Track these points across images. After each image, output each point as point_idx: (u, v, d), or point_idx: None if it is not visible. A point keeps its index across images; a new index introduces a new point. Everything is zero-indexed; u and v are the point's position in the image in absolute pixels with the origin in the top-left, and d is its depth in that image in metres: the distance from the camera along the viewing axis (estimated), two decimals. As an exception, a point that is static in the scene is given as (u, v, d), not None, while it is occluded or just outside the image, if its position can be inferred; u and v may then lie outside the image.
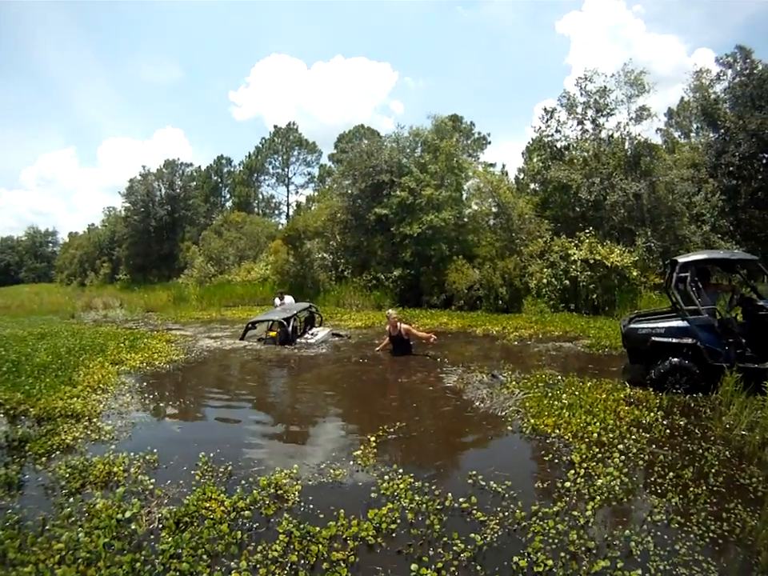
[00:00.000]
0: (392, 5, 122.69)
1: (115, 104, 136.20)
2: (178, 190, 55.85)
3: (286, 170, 69.41)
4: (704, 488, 6.23)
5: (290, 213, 65.47)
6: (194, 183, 60.91)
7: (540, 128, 29.21)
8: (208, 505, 5.96)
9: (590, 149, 27.19)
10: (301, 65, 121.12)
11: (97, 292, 46.66)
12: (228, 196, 72.94)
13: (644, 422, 8.40)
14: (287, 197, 70.36)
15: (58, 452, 8.00)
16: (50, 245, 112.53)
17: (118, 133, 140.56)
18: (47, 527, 5.66)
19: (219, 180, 72.90)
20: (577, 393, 9.78)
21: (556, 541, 5.21)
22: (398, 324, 14.58)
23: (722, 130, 27.75)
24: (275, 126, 69.61)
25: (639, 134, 26.85)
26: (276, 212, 70.73)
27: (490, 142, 54.31)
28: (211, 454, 7.45)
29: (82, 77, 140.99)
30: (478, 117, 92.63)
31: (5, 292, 61.14)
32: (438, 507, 5.89)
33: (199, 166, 67.95)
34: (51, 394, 10.55)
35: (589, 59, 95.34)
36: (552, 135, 29.01)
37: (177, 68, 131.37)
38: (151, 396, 11.09)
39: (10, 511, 6.10)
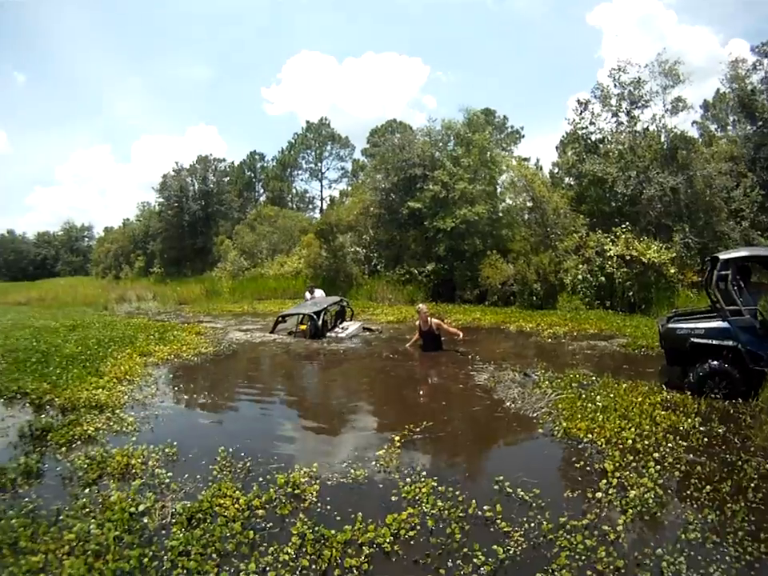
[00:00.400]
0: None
1: (149, 102, 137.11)
2: (211, 186, 56.17)
3: (319, 164, 69.46)
4: (742, 504, 5.78)
5: (324, 207, 65.47)
6: (228, 178, 61.18)
7: (574, 120, 28.67)
8: (222, 501, 5.81)
9: (626, 141, 26.52)
10: (332, 61, 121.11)
11: (131, 285, 47.29)
12: (261, 191, 73.08)
13: (681, 428, 7.94)
14: (320, 191, 70.53)
15: (78, 442, 7.99)
16: (86, 239, 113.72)
17: (152, 130, 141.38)
18: (60, 517, 5.60)
19: (252, 175, 73.05)
20: (612, 395, 9.34)
21: (583, 557, 4.86)
22: (429, 319, 14.30)
23: (760, 122, 26.97)
24: (308, 122, 69.76)
25: (675, 127, 26.26)
26: (310, 206, 70.91)
27: (523, 136, 53.86)
28: (231, 449, 7.32)
29: (116, 76, 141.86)
30: (510, 111, 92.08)
31: (40, 285, 61.71)
32: (461, 515, 5.61)
33: (232, 162, 68.04)
34: (77, 384, 10.64)
35: (621, 52, 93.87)
36: (586, 128, 28.44)
37: (209, 66, 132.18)
38: (176, 388, 11.10)
39: (26, 500, 6.08)
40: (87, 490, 6.25)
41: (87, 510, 5.75)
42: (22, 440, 8.20)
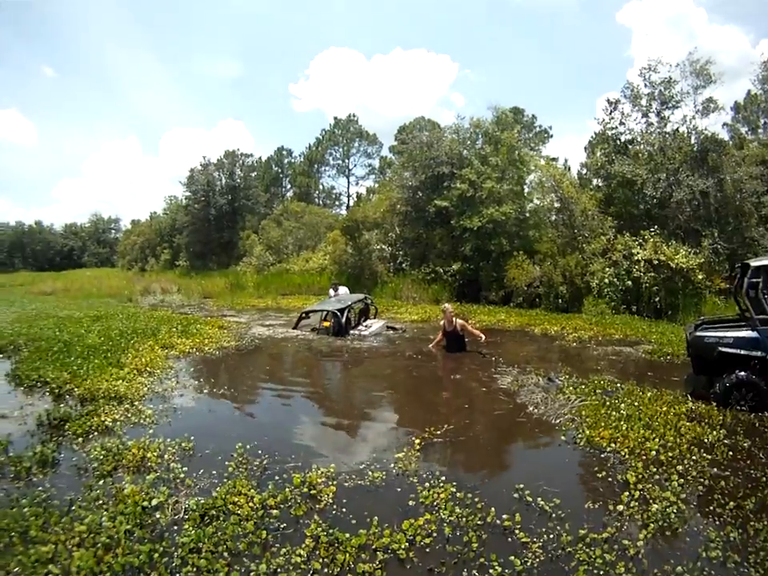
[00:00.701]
0: None
1: (177, 96, 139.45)
2: (238, 180, 56.22)
3: (347, 161, 69.47)
4: (766, 522, 5.58)
5: (351, 204, 65.48)
6: (255, 173, 61.16)
7: (604, 120, 28.23)
8: (236, 499, 5.72)
9: (656, 143, 26.09)
10: (360, 57, 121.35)
11: (156, 277, 47.73)
12: (288, 186, 73.34)
13: (706, 440, 7.72)
14: (347, 188, 70.54)
15: (95, 433, 8.00)
16: (113, 231, 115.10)
17: (179, 125, 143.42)
18: (73, 508, 5.58)
19: (280, 171, 73.33)
20: (636, 403, 9.15)
21: (602, 573, 4.71)
22: (454, 319, 14.13)
23: (793, 125, 26.65)
24: (335, 118, 69.77)
25: (706, 128, 25.72)
26: (336, 203, 71.01)
27: (551, 136, 53.37)
28: (248, 446, 7.24)
29: (144, 71, 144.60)
30: (538, 110, 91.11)
31: (66, 275, 62.39)
32: (479, 523, 5.47)
33: (260, 157, 68.17)
34: (97, 375, 10.67)
35: (651, 51, 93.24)
36: (616, 128, 28.02)
37: (237, 62, 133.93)
38: (197, 382, 11.05)
39: (40, 489, 6.08)
40: (101, 482, 6.20)
41: (100, 501, 5.72)
42: (39, 429, 8.26)
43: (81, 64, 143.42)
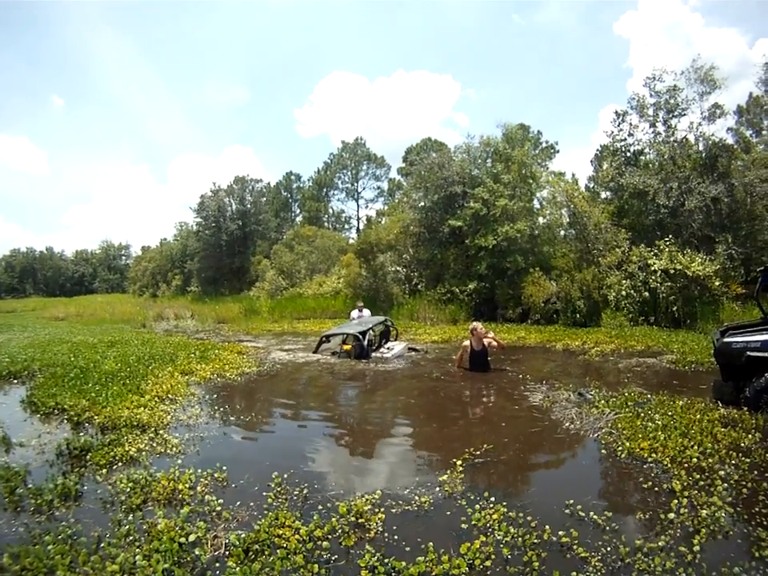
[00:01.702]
0: (448, 17, 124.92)
1: (184, 125, 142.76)
2: (249, 206, 56.93)
3: (356, 184, 70.08)
4: None
5: (360, 227, 65.72)
6: (264, 199, 61.76)
7: (612, 132, 28.42)
8: (281, 532, 5.40)
9: (666, 152, 26.14)
10: (363, 81, 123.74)
11: (168, 303, 47.55)
12: (298, 211, 73.99)
13: (742, 445, 7.67)
14: (357, 211, 70.95)
15: (120, 464, 7.67)
16: (123, 257, 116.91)
17: (187, 151, 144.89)
18: (102, 545, 5.24)
19: (289, 195, 74.04)
20: (670, 413, 9.04)
21: None
22: (485, 339, 13.86)
23: (799, 125, 26.54)
24: (343, 142, 70.62)
25: (713, 134, 25.80)
26: (346, 226, 71.31)
27: (558, 151, 53.44)
28: (285, 475, 6.94)
29: (152, 99, 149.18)
30: (541, 126, 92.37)
31: (78, 301, 62.92)
32: (536, 541, 5.25)
33: (269, 182, 68.84)
34: (117, 402, 10.41)
35: (650, 60, 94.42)
36: (625, 139, 28.18)
37: (243, 89, 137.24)
38: (222, 409, 10.71)
39: (64, 524, 5.73)
40: (131, 516, 5.87)
41: (131, 538, 5.38)
42: (59, 458, 7.95)
43: (89, 93, 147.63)
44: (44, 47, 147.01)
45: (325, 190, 70.66)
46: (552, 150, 52.25)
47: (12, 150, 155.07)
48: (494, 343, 13.94)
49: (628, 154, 28.20)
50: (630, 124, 27.63)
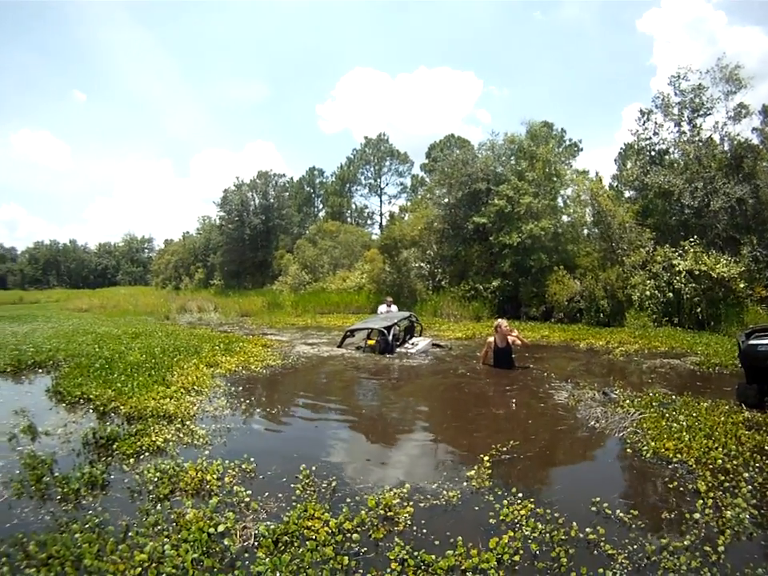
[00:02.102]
0: (470, 14, 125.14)
1: (206, 121, 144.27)
2: (272, 200, 56.98)
3: (379, 180, 70.01)
4: None
5: (383, 222, 65.68)
6: (287, 194, 61.77)
7: (637, 131, 28.12)
8: (310, 524, 5.43)
9: (691, 151, 25.75)
10: (385, 77, 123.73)
11: (191, 295, 47.98)
12: (321, 206, 73.97)
13: (767, 448, 7.61)
14: (380, 207, 70.92)
15: (147, 453, 7.71)
16: (146, 251, 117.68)
17: (209, 146, 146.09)
18: (130, 534, 5.27)
19: (312, 191, 74.20)
20: (694, 414, 9.00)
21: None
22: (509, 336, 13.80)
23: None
24: (366, 137, 70.65)
25: (738, 134, 25.44)
26: (369, 222, 71.32)
27: (581, 149, 53.31)
28: (313, 467, 6.97)
29: (174, 94, 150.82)
30: (564, 124, 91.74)
31: (102, 293, 63.43)
32: (563, 538, 5.26)
33: (291, 177, 68.90)
34: (143, 393, 10.44)
35: (673, 58, 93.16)
36: (650, 138, 27.87)
37: (264, 84, 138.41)
38: (248, 401, 10.74)
39: (91, 513, 5.79)
40: (158, 506, 5.91)
41: (159, 527, 5.41)
42: (85, 447, 7.99)
43: (111, 89, 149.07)
44: (65, 44, 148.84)
45: (348, 185, 70.78)
46: (575, 149, 52.03)
47: (35, 144, 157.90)
48: (518, 342, 13.87)
49: (653, 153, 27.94)
50: (655, 123, 27.31)
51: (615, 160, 53.97)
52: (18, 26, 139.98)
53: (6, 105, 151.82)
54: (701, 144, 25.81)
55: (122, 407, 9.78)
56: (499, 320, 14.58)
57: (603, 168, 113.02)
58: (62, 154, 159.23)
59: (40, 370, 14.13)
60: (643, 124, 27.58)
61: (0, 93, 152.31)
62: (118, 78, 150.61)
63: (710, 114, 25.82)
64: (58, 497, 6.30)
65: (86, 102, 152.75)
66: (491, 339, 14.01)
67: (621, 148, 52.18)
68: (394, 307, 21.28)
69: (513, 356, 13.89)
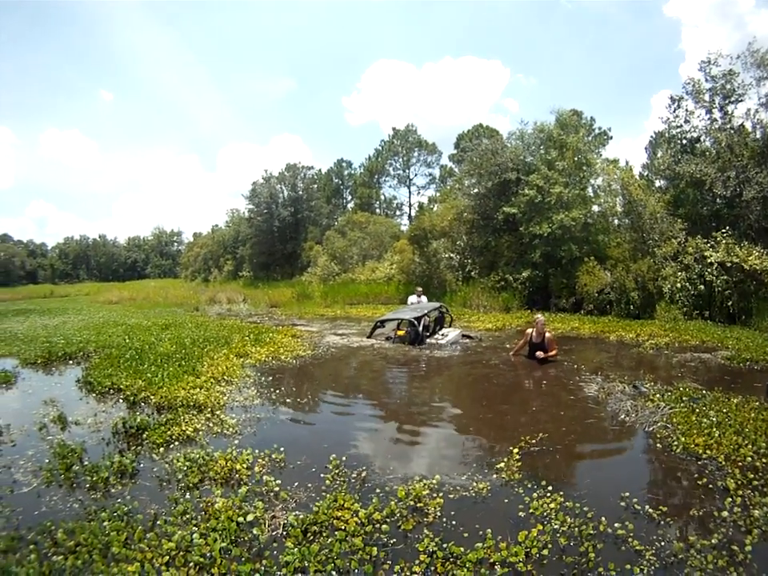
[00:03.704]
0: (494, 1, 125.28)
1: (231, 115, 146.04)
2: (301, 192, 57.03)
3: (407, 171, 69.83)
4: None
5: (412, 213, 65.61)
6: (316, 186, 61.86)
7: (668, 119, 27.27)
8: (340, 514, 5.44)
9: (723, 139, 24.90)
10: (410, 68, 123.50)
11: (220, 287, 48.48)
12: (349, 198, 73.98)
13: None
14: (409, 197, 70.76)
15: (176, 443, 7.83)
16: (175, 244, 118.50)
17: (236, 141, 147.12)
18: (158, 523, 5.34)
19: (340, 182, 74.20)
20: (724, 410, 8.89)
21: None
22: (546, 332, 13.79)
23: None
24: (394, 128, 70.31)
25: (771, 121, 24.71)
26: (398, 212, 71.20)
27: (611, 137, 52.50)
28: (343, 458, 7.01)
29: (200, 91, 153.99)
30: (592, 112, 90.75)
31: (131, 286, 63.92)
32: (592, 532, 5.26)
33: (320, 169, 69.03)
34: (173, 383, 10.57)
35: (702, 43, 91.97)
36: (681, 126, 26.99)
37: (290, 78, 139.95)
38: (278, 391, 10.81)
39: (119, 501, 5.88)
40: (188, 495, 5.98)
41: (188, 516, 5.47)
42: (115, 437, 8.12)
43: (137, 87, 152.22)
44: (90, 45, 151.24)
45: (376, 176, 70.59)
46: (605, 137, 51.38)
47: (64, 143, 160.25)
48: (551, 352, 13.76)
49: (684, 142, 27.18)
50: (686, 110, 26.49)
51: (645, 148, 53.64)
52: (44, 28, 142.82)
53: (35, 106, 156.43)
54: (732, 132, 25.09)
55: (152, 397, 9.91)
56: (538, 315, 14.68)
57: (633, 157, 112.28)
58: (90, 151, 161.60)
59: (71, 362, 14.29)
60: (674, 111, 26.82)
61: (28, 94, 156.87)
62: (143, 76, 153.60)
63: (741, 100, 25.09)
64: (87, 485, 6.38)
65: (112, 100, 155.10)
66: (530, 331, 14.06)
67: (651, 136, 51.89)
68: (423, 298, 21.13)
69: (546, 351, 13.73)
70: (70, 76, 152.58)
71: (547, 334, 13.77)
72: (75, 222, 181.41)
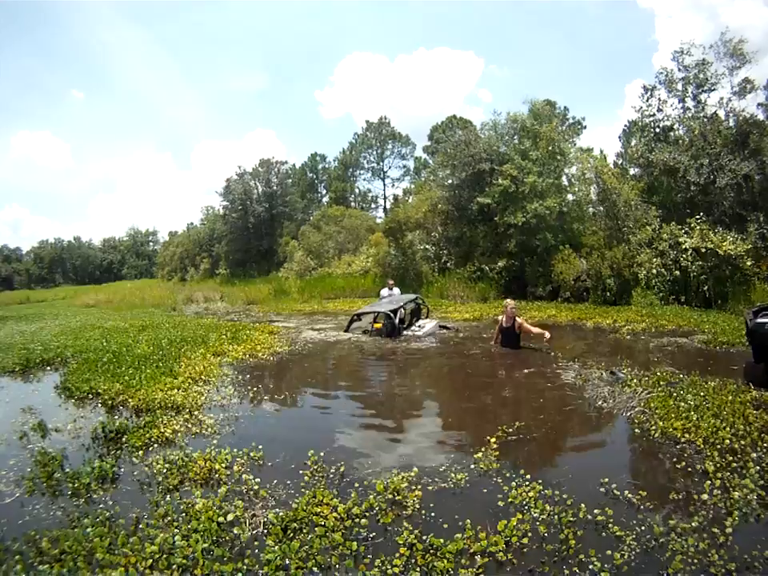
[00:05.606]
0: None
1: (205, 112, 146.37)
2: (275, 188, 56.99)
3: (381, 163, 70.03)
4: None
5: (387, 206, 65.63)
6: (290, 180, 61.93)
7: (641, 108, 27.64)
8: (319, 510, 5.46)
9: (696, 128, 25.39)
10: (383, 60, 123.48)
11: (197, 286, 48.33)
12: (324, 192, 73.99)
13: None
14: (383, 190, 70.93)
15: (156, 445, 7.77)
16: (151, 243, 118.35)
17: (209, 138, 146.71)
18: (140, 526, 5.33)
19: (314, 177, 74.23)
20: (702, 394, 8.95)
21: (696, 561, 4.64)
22: (515, 317, 13.80)
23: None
24: (367, 121, 70.59)
25: (744, 110, 25.07)
26: (373, 205, 71.35)
27: (585, 127, 52.33)
28: (321, 453, 6.98)
29: (172, 88, 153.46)
30: (566, 102, 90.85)
31: (108, 288, 63.76)
32: (572, 519, 5.29)
33: (294, 164, 69.28)
34: (151, 385, 10.50)
35: (675, 34, 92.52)
36: (654, 115, 27.42)
37: (262, 73, 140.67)
38: (255, 389, 10.76)
39: (101, 506, 5.86)
40: (168, 497, 5.97)
41: (169, 518, 5.46)
42: (95, 442, 8.05)
43: (108, 86, 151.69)
44: (61, 44, 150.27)
45: (351, 170, 70.69)
46: (579, 126, 51.47)
47: (35, 145, 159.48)
48: (528, 326, 13.83)
49: (657, 130, 27.59)
50: (659, 99, 26.89)
51: (619, 137, 53.88)
52: (13, 28, 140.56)
53: (4, 107, 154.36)
54: (706, 120, 25.52)
55: (130, 400, 9.84)
56: (507, 300, 14.69)
57: (607, 146, 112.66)
58: (63, 153, 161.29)
59: (48, 368, 14.13)
60: (647, 100, 27.16)
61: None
62: (114, 74, 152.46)
63: (714, 89, 25.50)
64: (69, 492, 6.35)
65: (84, 100, 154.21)
66: (500, 317, 14.16)
67: (624, 125, 52.13)
68: (396, 290, 21.17)
69: (519, 336, 13.83)
70: (40, 76, 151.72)
71: (518, 319, 13.78)
72: (49, 225, 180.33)
